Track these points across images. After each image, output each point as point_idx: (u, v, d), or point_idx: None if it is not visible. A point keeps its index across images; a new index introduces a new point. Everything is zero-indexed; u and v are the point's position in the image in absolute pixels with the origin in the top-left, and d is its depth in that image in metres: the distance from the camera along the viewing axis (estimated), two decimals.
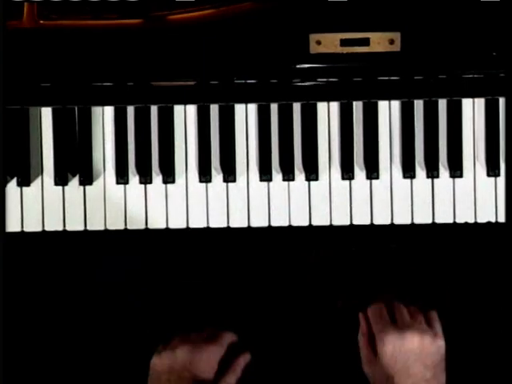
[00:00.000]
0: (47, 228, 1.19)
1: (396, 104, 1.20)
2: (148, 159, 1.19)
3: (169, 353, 1.11)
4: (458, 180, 1.20)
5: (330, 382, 1.27)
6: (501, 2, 1.14)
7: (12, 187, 1.19)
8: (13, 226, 1.19)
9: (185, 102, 1.19)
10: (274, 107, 1.19)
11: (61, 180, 1.19)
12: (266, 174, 1.19)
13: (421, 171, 1.20)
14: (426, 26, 1.16)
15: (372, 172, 1.19)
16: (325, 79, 1.18)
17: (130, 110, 1.19)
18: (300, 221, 1.19)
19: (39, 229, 1.19)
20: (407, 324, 1.15)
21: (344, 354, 1.24)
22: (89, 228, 1.19)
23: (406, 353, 1.13)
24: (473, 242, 1.23)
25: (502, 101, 1.18)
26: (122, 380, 1.10)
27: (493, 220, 1.19)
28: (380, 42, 1.15)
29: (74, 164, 1.19)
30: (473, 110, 1.20)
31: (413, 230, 1.15)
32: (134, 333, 1.14)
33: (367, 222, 1.19)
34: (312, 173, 1.19)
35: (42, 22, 1.14)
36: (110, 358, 1.14)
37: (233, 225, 1.19)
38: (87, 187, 1.19)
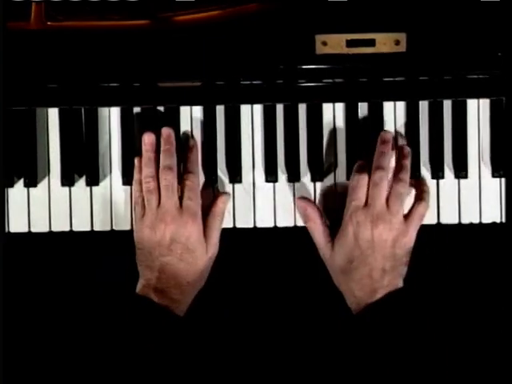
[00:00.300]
0: (54, 229, 1.19)
1: (401, 105, 1.20)
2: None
3: (155, 228, 1.13)
4: (462, 181, 1.20)
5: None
6: (506, 2, 1.15)
7: (19, 188, 1.19)
8: (20, 226, 1.19)
9: (191, 103, 1.20)
10: (279, 108, 1.20)
11: (67, 181, 1.19)
12: (271, 175, 1.20)
13: (426, 172, 1.20)
14: (432, 26, 1.16)
15: None
16: (330, 80, 1.18)
17: (137, 110, 1.20)
18: None
19: (46, 229, 1.19)
20: (378, 211, 1.12)
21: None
22: (95, 229, 1.19)
23: (368, 242, 1.11)
24: (478, 242, 1.24)
25: None
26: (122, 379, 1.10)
27: (498, 221, 1.19)
28: (386, 42, 1.16)
29: (81, 165, 1.19)
30: (478, 111, 1.20)
31: (418, 231, 1.15)
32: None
33: None
34: (317, 174, 1.20)
35: (49, 23, 1.14)
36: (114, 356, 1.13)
37: (238, 225, 1.20)
38: (94, 188, 1.20)
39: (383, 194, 1.13)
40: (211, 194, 1.19)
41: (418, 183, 1.18)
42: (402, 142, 1.19)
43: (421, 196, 1.17)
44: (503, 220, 1.19)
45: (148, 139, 1.17)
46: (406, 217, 1.14)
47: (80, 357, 1.22)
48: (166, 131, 1.17)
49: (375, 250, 1.12)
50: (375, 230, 1.12)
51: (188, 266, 1.14)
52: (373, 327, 1.10)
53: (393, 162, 1.17)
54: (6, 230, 1.19)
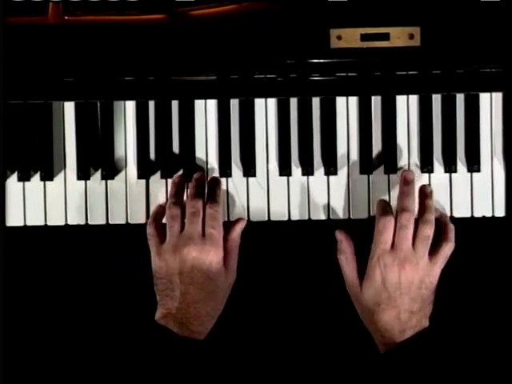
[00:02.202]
0: (70, 222, 1.20)
1: (414, 98, 1.21)
2: (169, 153, 1.20)
3: (175, 255, 1.12)
4: (475, 174, 1.20)
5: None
6: None
7: (35, 181, 1.20)
8: (36, 219, 1.20)
9: (205, 97, 1.20)
10: (293, 102, 1.20)
11: (83, 174, 1.20)
12: (285, 169, 1.20)
13: (438, 166, 1.21)
14: (446, 20, 1.17)
15: (391, 167, 1.20)
16: (344, 74, 1.19)
17: (152, 104, 1.21)
18: (319, 215, 1.21)
19: (62, 223, 1.20)
20: (405, 254, 1.11)
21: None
22: (111, 222, 1.20)
23: (396, 285, 1.11)
24: (490, 235, 1.24)
25: None
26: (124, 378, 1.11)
27: None
28: (400, 36, 1.16)
29: (97, 158, 1.20)
30: (490, 104, 1.20)
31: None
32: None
33: None
34: (331, 167, 1.20)
35: (66, 17, 1.15)
36: (116, 356, 1.14)
37: (253, 219, 1.20)
38: (109, 181, 1.20)
39: (410, 237, 1.12)
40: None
41: (444, 221, 1.17)
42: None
43: (447, 235, 1.15)
44: None
45: (177, 178, 1.19)
46: (432, 256, 1.13)
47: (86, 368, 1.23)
48: (199, 173, 1.19)
49: (403, 293, 1.11)
50: (402, 273, 1.11)
51: (208, 295, 1.13)
52: (401, 366, 1.10)
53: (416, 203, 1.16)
54: (23, 223, 1.20)
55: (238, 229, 1.17)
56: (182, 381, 1.10)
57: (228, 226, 1.17)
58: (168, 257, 1.13)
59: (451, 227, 1.16)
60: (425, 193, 1.17)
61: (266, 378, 1.25)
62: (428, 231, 1.13)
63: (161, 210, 1.18)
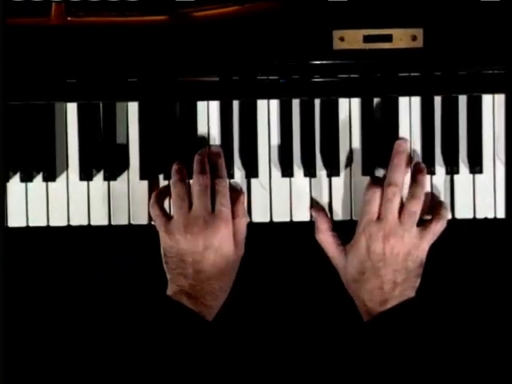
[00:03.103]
0: (72, 223, 1.20)
1: (416, 100, 1.21)
2: (172, 154, 1.20)
3: (187, 234, 1.13)
4: (477, 176, 1.20)
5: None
6: None
7: (38, 182, 1.20)
8: (38, 220, 1.20)
9: (208, 98, 1.20)
10: (295, 103, 1.20)
11: (86, 175, 1.20)
12: (287, 170, 1.20)
13: (440, 167, 1.21)
14: (449, 22, 1.17)
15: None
16: (346, 75, 1.19)
17: (154, 105, 1.20)
18: None
19: (64, 223, 1.20)
20: (390, 226, 1.13)
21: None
22: (113, 223, 1.20)
23: (380, 255, 1.12)
24: (492, 237, 1.24)
25: None
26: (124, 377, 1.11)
27: None
28: (402, 38, 1.16)
29: (99, 159, 1.20)
30: (493, 106, 1.20)
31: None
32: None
33: None
34: (333, 169, 1.20)
35: (69, 18, 1.15)
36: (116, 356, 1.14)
37: (255, 220, 1.20)
38: (111, 182, 1.20)
39: (395, 210, 1.13)
40: None
41: (438, 200, 1.18)
42: (417, 157, 1.20)
43: (439, 212, 1.16)
44: None
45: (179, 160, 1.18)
46: (421, 230, 1.14)
47: (97, 356, 1.23)
48: (201, 150, 1.19)
49: (386, 263, 1.12)
50: (387, 244, 1.12)
51: (220, 270, 1.14)
52: (382, 335, 1.11)
53: (408, 176, 1.17)
54: (25, 224, 1.20)
55: (241, 202, 1.18)
56: (191, 356, 1.10)
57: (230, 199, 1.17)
58: (179, 236, 1.13)
59: (445, 205, 1.17)
60: (418, 168, 1.17)
61: (264, 358, 1.26)
62: (415, 206, 1.14)
63: (162, 190, 1.18)
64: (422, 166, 1.18)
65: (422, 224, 1.15)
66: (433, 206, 1.18)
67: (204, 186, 1.14)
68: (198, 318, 1.12)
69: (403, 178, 1.16)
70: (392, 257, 1.12)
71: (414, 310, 1.13)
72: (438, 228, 1.15)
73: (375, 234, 1.13)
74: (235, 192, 1.18)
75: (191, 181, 1.17)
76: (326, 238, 1.18)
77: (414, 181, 1.16)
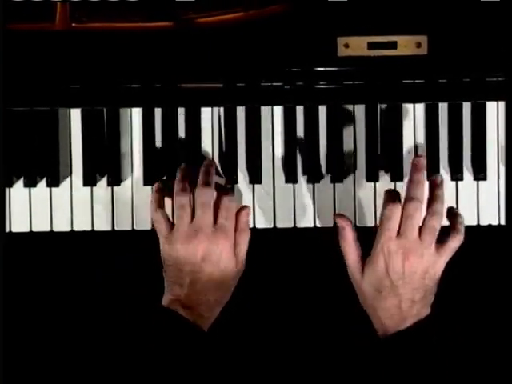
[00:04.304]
0: (76, 228, 1.20)
1: (421, 107, 1.21)
2: (175, 160, 1.20)
3: (186, 245, 1.12)
4: (481, 182, 1.20)
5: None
6: None
7: (41, 188, 1.20)
8: (42, 225, 1.20)
9: (212, 104, 1.20)
10: (299, 109, 1.20)
11: (89, 181, 1.20)
12: (291, 176, 1.20)
13: (445, 174, 1.20)
14: (453, 29, 1.17)
15: (397, 174, 1.20)
16: (351, 82, 1.19)
17: (158, 111, 1.21)
18: (325, 222, 1.21)
19: (68, 229, 1.20)
20: (410, 244, 1.10)
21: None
22: (117, 228, 1.20)
23: (399, 274, 1.10)
24: (496, 244, 1.24)
25: None
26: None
27: None
28: (407, 45, 1.16)
29: (103, 165, 1.20)
30: (497, 113, 1.20)
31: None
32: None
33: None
34: (337, 175, 1.20)
35: (73, 24, 1.15)
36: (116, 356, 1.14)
37: (258, 226, 1.20)
38: (115, 188, 1.20)
39: (416, 226, 1.11)
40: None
41: (454, 212, 1.16)
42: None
43: (456, 228, 1.13)
44: None
45: (184, 165, 1.18)
46: (438, 247, 1.12)
47: (96, 361, 1.23)
48: (208, 160, 1.18)
49: (405, 282, 1.10)
50: (406, 262, 1.10)
51: (217, 284, 1.13)
52: (401, 354, 1.10)
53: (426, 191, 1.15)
54: (29, 229, 1.20)
55: (245, 217, 1.17)
56: (186, 365, 1.09)
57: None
58: (178, 246, 1.13)
59: (461, 220, 1.14)
60: (435, 183, 1.15)
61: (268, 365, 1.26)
62: (435, 222, 1.11)
63: (160, 194, 1.18)
64: (440, 180, 1.15)
65: (440, 241, 1.12)
66: (449, 220, 1.15)
67: (208, 198, 1.13)
68: (193, 328, 1.11)
69: (423, 193, 1.13)
70: (411, 275, 1.10)
71: (432, 328, 1.11)
72: (455, 244, 1.13)
73: (395, 251, 1.10)
74: (240, 206, 1.18)
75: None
76: (349, 248, 1.14)
77: (434, 196, 1.13)
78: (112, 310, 1.26)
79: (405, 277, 1.10)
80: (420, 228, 1.11)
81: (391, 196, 1.13)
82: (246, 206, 1.18)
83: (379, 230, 1.12)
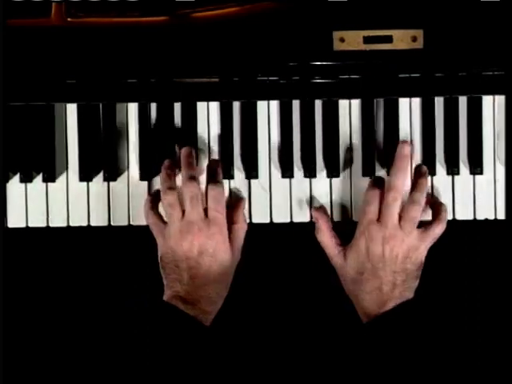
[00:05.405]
0: (72, 223, 1.20)
1: (417, 101, 1.20)
2: (171, 155, 1.20)
3: (181, 240, 1.12)
4: (478, 177, 1.20)
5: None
6: None
7: (37, 183, 1.20)
8: (38, 221, 1.20)
9: (208, 99, 1.20)
10: (296, 104, 1.20)
11: (85, 176, 1.20)
12: (287, 171, 1.20)
13: (441, 168, 1.20)
14: (449, 23, 1.17)
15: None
16: (347, 76, 1.19)
17: (154, 106, 1.21)
18: None
19: (64, 224, 1.20)
20: (390, 230, 1.12)
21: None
22: (113, 223, 1.20)
23: (379, 257, 1.12)
24: (493, 238, 1.24)
25: None
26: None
27: None
28: (403, 39, 1.16)
29: (99, 160, 1.20)
30: (493, 107, 1.20)
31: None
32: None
33: None
34: (333, 169, 1.20)
35: (69, 19, 1.15)
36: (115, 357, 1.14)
37: (255, 221, 1.20)
38: (111, 183, 1.20)
39: (395, 215, 1.13)
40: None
41: (437, 201, 1.18)
42: (418, 158, 1.20)
43: (439, 215, 1.16)
44: None
45: (167, 161, 1.17)
46: (421, 232, 1.14)
47: (94, 358, 1.23)
48: (186, 150, 1.17)
49: (386, 265, 1.12)
50: (386, 247, 1.12)
51: (216, 276, 1.13)
52: (381, 337, 1.11)
53: (409, 179, 1.17)
54: (25, 224, 1.20)
55: (241, 208, 1.17)
56: (189, 360, 1.09)
57: (229, 204, 1.18)
58: (173, 243, 1.13)
59: (444, 208, 1.17)
60: (420, 171, 1.17)
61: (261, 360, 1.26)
62: (415, 212, 1.14)
63: (154, 196, 1.18)
64: (424, 170, 1.18)
65: (422, 226, 1.14)
66: (433, 207, 1.17)
67: (194, 192, 1.13)
68: (195, 323, 1.11)
69: (404, 181, 1.15)
70: (391, 258, 1.12)
71: (413, 312, 1.12)
72: (437, 231, 1.15)
73: (375, 235, 1.13)
74: (235, 198, 1.18)
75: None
76: (325, 239, 1.17)
77: (416, 185, 1.16)
78: (110, 305, 1.26)
79: (385, 260, 1.12)
80: (400, 215, 1.13)
81: (374, 181, 1.16)
82: (241, 198, 1.18)
83: (360, 213, 1.15)
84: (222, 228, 1.14)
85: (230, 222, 1.16)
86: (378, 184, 1.16)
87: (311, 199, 1.21)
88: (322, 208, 1.19)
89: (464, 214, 1.20)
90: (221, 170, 1.18)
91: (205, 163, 1.20)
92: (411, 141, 1.20)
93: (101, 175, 1.20)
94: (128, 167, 1.21)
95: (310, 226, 1.20)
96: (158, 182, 1.20)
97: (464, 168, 1.20)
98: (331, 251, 1.17)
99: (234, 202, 1.18)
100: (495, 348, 1.26)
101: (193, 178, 1.14)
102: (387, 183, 1.15)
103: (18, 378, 1.26)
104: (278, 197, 1.21)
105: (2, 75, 1.12)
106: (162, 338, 1.10)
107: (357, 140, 1.21)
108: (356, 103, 1.21)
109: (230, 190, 1.20)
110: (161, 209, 1.18)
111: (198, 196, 1.13)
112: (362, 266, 1.13)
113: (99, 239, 1.23)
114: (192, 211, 1.13)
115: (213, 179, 1.16)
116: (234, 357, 1.25)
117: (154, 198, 1.18)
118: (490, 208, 1.20)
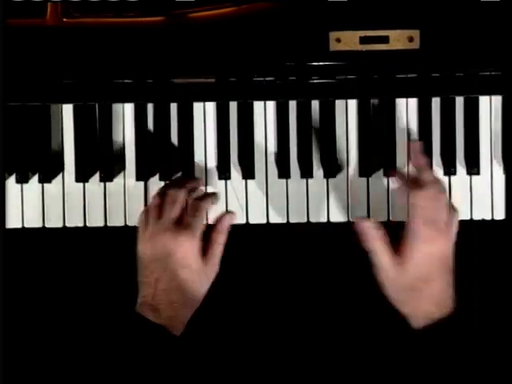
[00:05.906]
0: (68, 224, 1.20)
1: (413, 101, 1.20)
2: (168, 156, 1.20)
3: (151, 242, 1.12)
4: (474, 177, 1.20)
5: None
6: None
7: (33, 184, 1.20)
8: (34, 221, 1.20)
9: (204, 99, 1.20)
10: (292, 104, 1.20)
11: (82, 176, 1.20)
12: (284, 171, 1.20)
13: (438, 168, 1.20)
14: (445, 23, 1.16)
15: (390, 169, 1.20)
16: (343, 76, 1.19)
17: (150, 107, 1.20)
18: (318, 217, 1.20)
19: (60, 225, 1.20)
20: (441, 226, 1.10)
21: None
22: (109, 224, 1.20)
23: (446, 257, 1.09)
24: (490, 238, 1.24)
25: None
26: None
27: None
28: (399, 39, 1.16)
29: (95, 160, 1.20)
30: (490, 108, 1.20)
31: None
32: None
33: (384, 218, 1.20)
34: (330, 170, 1.20)
35: (65, 20, 1.15)
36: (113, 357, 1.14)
37: (251, 221, 1.20)
38: (108, 184, 1.20)
39: (445, 208, 1.11)
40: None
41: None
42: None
43: (454, 215, 1.14)
44: None
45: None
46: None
47: (75, 365, 1.23)
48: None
49: (450, 265, 1.10)
50: (444, 247, 1.10)
51: (180, 283, 1.10)
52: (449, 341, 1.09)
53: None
54: (21, 225, 1.20)
55: (226, 222, 1.17)
56: (154, 370, 1.07)
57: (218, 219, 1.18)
58: (146, 244, 1.13)
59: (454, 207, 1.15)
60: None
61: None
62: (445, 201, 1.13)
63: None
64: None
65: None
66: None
67: (174, 197, 1.13)
68: (160, 331, 1.08)
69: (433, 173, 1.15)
70: (447, 259, 1.10)
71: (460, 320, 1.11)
72: (456, 221, 1.13)
73: (429, 236, 1.09)
74: (221, 213, 1.19)
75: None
76: (379, 247, 1.09)
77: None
78: (109, 305, 1.25)
79: (449, 262, 1.10)
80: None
81: (415, 183, 1.12)
82: (231, 213, 1.19)
83: (409, 218, 1.10)
84: (194, 236, 1.11)
85: (211, 231, 1.15)
86: (422, 185, 1.11)
87: (308, 200, 1.21)
88: (362, 218, 1.15)
89: (461, 214, 1.19)
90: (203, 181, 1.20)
91: (201, 165, 1.20)
92: (408, 141, 1.20)
93: (97, 176, 1.20)
94: (124, 168, 1.21)
95: (307, 227, 1.20)
96: (154, 183, 1.20)
97: (461, 168, 1.20)
98: (385, 261, 1.09)
99: (219, 217, 1.18)
100: (494, 348, 1.26)
101: (177, 185, 1.15)
102: (425, 180, 1.12)
103: (17, 378, 1.26)
104: (275, 197, 1.21)
105: (2, 76, 1.12)
106: (128, 348, 1.08)
107: (353, 140, 1.21)
108: (353, 103, 1.20)
109: (226, 190, 1.20)
110: None
111: (176, 201, 1.13)
112: (427, 270, 1.08)
113: (95, 240, 1.22)
114: (166, 213, 1.12)
115: (193, 187, 1.17)
116: (217, 365, 1.23)
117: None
118: (486, 208, 1.20)
